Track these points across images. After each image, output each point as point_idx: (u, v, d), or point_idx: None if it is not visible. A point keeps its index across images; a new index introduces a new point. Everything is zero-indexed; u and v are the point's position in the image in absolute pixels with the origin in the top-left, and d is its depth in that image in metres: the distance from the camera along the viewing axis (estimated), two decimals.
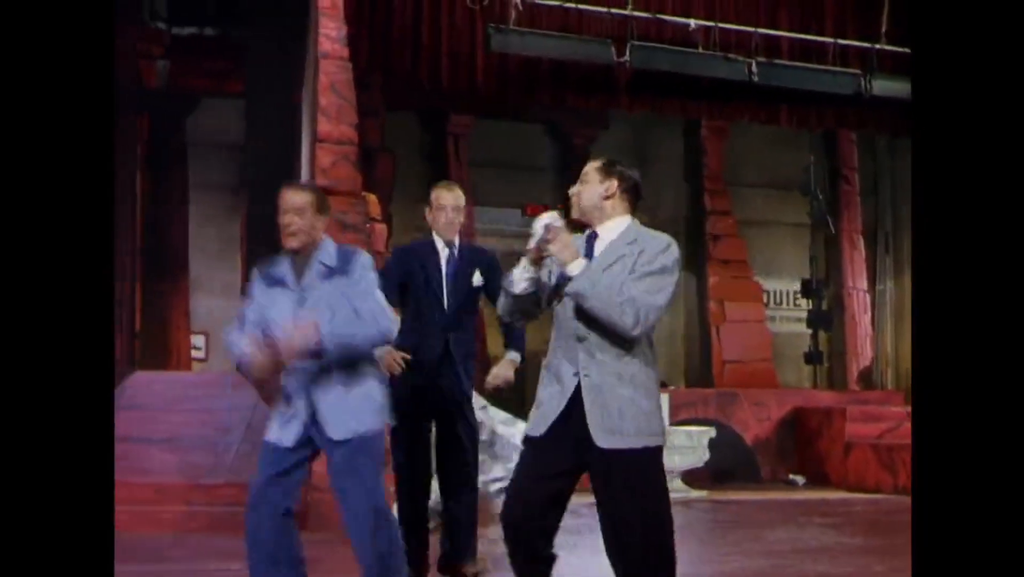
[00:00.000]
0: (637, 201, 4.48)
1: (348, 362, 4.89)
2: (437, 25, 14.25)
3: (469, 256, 6.45)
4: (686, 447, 13.33)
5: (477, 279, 6.35)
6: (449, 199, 6.37)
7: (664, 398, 14.85)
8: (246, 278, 16.43)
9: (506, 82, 14.87)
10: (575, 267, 4.20)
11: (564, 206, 4.57)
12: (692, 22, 14.72)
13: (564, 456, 4.29)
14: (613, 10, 14.27)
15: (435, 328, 6.27)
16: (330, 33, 10.99)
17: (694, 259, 19.30)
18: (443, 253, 6.36)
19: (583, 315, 4.25)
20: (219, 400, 10.61)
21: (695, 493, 13.20)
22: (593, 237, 4.42)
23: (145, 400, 9.89)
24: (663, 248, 4.30)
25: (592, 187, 4.43)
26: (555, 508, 4.35)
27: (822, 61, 15.37)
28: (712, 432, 13.67)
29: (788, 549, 8.52)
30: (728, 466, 14.83)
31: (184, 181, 18.19)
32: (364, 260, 5.03)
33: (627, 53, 14.10)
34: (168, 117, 17.95)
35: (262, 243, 15.94)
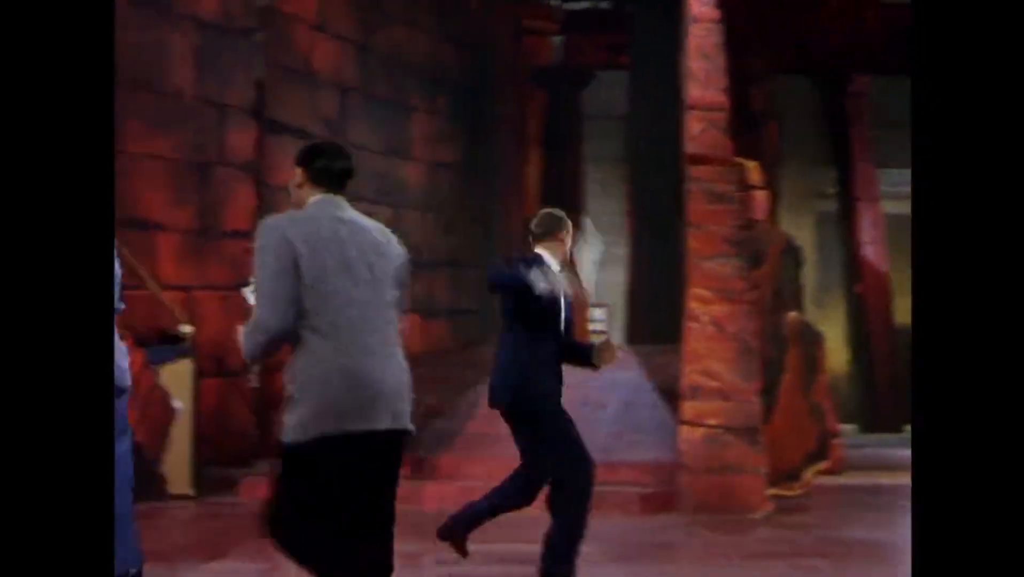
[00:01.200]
0: (334, 180, 3.96)
1: None
2: None
3: None
4: None
5: None
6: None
7: None
8: (633, 252, 16.51)
9: (900, 36, 14.05)
10: None
11: None
12: None
13: None
14: None
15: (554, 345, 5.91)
16: None
17: None
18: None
19: None
20: (598, 376, 10.56)
21: None
22: None
23: None
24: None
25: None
26: None
27: None
28: None
29: None
30: None
31: (578, 154, 18.43)
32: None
33: None
34: (564, 92, 18.21)
35: (646, 216, 15.94)
